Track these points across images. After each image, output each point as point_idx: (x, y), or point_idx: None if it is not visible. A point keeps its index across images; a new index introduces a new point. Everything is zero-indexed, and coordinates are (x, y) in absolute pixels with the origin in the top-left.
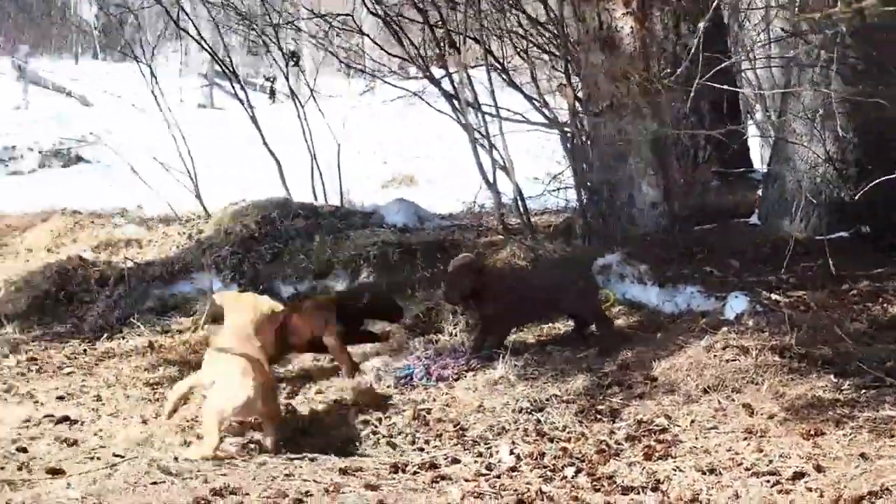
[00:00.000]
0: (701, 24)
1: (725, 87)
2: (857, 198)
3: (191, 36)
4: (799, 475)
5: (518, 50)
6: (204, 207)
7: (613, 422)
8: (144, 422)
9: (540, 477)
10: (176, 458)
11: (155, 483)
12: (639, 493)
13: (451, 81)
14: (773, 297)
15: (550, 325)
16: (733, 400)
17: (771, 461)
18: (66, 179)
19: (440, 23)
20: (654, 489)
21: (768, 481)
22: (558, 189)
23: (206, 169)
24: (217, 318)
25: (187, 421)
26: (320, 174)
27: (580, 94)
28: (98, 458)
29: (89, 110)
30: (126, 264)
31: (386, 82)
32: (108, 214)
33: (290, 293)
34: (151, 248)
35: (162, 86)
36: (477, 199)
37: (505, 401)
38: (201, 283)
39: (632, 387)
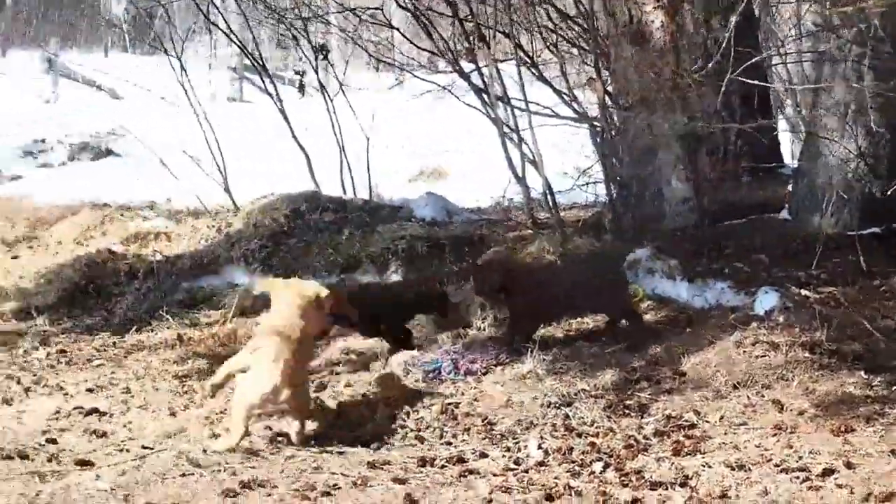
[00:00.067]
0: (732, 18)
1: (756, 81)
2: (888, 193)
3: (220, 29)
4: (829, 472)
5: (548, 44)
6: (233, 201)
7: (642, 417)
8: (173, 414)
9: (568, 472)
10: (205, 451)
11: (183, 475)
12: (667, 489)
13: (481, 75)
14: (804, 292)
15: (579, 319)
16: (763, 396)
17: (800, 457)
18: (95, 172)
19: (470, 16)
20: (683, 485)
21: (798, 478)
22: (587, 184)
23: (235, 162)
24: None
25: (216, 413)
26: (349, 168)
27: (610, 89)
28: (127, 450)
29: (119, 103)
30: (155, 257)
31: (415, 76)
32: (138, 207)
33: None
34: (180, 241)
35: (191, 79)
36: (506, 194)
37: (533, 395)
38: (230, 276)
39: (660, 382)
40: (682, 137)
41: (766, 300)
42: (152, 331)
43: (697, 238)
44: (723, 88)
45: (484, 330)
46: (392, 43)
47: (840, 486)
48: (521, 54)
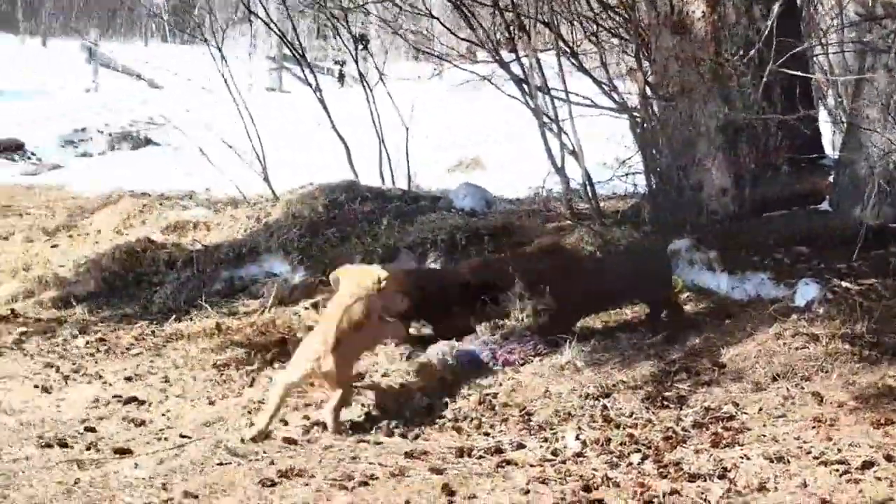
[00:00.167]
0: (774, 8)
1: (797, 72)
2: None
3: (260, 19)
4: (868, 464)
5: (588, 34)
6: (272, 190)
7: (681, 408)
8: (211, 403)
9: (606, 463)
10: (242, 440)
11: (221, 464)
12: (705, 481)
13: (521, 65)
14: (844, 284)
15: (617, 310)
16: (802, 388)
17: (840, 450)
18: (134, 162)
19: (510, 6)
20: (721, 477)
21: (837, 470)
22: (627, 174)
23: (274, 152)
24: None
25: (254, 402)
26: (388, 158)
27: (650, 79)
28: (165, 439)
29: (158, 93)
30: (194, 246)
31: (455, 66)
32: (177, 197)
33: None
34: (219, 230)
35: (231, 69)
36: (545, 184)
37: (571, 386)
38: (269, 265)
39: (699, 373)
40: (722, 128)
41: (807, 292)
42: (191, 320)
43: (737, 229)
44: (764, 79)
45: (522, 320)
46: (432, 33)
47: (879, 479)
48: (562, 44)
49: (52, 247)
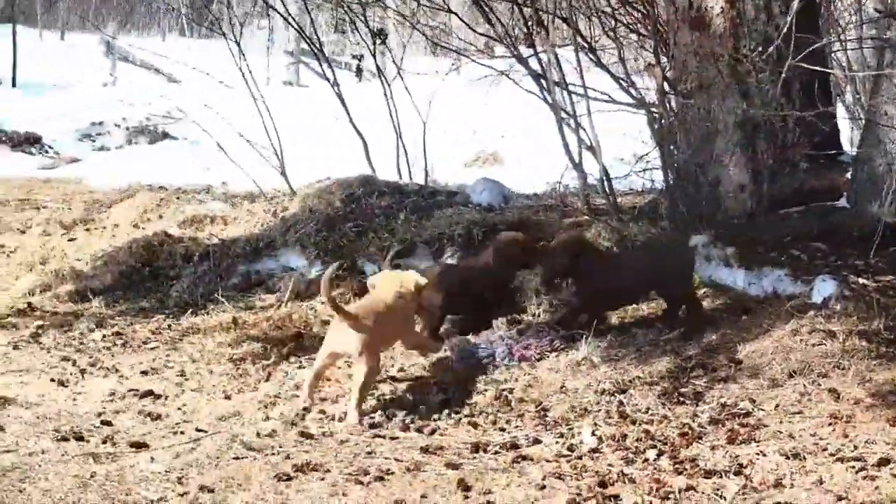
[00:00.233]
0: (793, 4)
1: (816, 68)
2: None
3: (278, 13)
4: (884, 461)
5: (606, 29)
6: (289, 185)
7: (697, 405)
8: (227, 397)
9: (622, 459)
10: (259, 434)
11: (237, 458)
12: (721, 477)
13: (539, 60)
14: (861, 281)
15: (634, 306)
16: (819, 385)
17: (856, 447)
18: (152, 156)
19: (528, 1)
20: (737, 473)
21: (853, 467)
22: (644, 170)
23: (292, 146)
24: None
25: (269, 397)
26: (405, 153)
27: (668, 75)
28: (181, 433)
29: (176, 87)
30: (211, 241)
31: (473, 60)
32: (194, 191)
33: (373, 271)
34: (236, 224)
35: (249, 63)
36: (562, 180)
37: (587, 382)
38: (285, 260)
39: (716, 370)
40: (740, 124)
41: (824, 288)
42: (207, 314)
43: (755, 225)
44: (782, 75)
45: (539, 316)
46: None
47: (895, 476)
48: (580, 39)
49: (69, 240)
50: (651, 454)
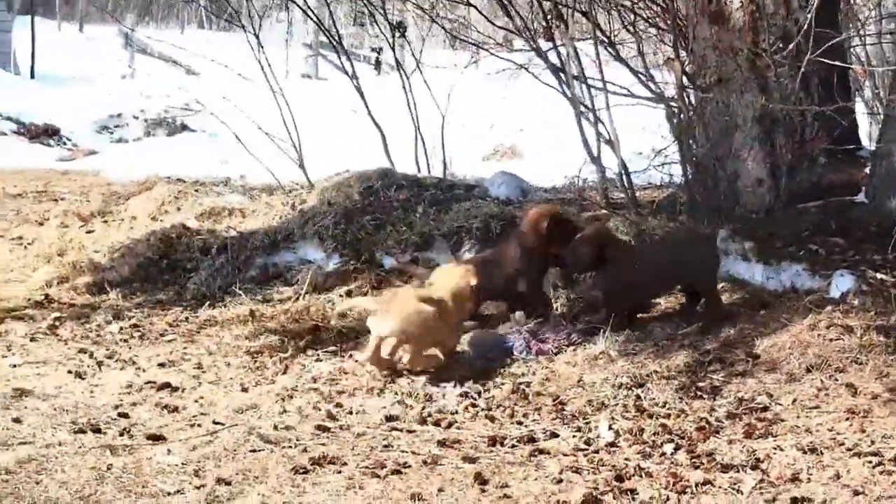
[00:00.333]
0: None
1: (835, 63)
2: None
3: (297, 5)
4: None
5: (625, 23)
6: (307, 177)
7: (714, 399)
8: (245, 390)
9: (639, 453)
10: (276, 427)
11: (254, 451)
12: (738, 472)
13: (558, 54)
14: (879, 276)
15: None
16: (836, 379)
17: (873, 442)
18: (170, 148)
19: None
20: (754, 467)
21: (870, 462)
22: (663, 164)
23: (310, 139)
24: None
25: (287, 390)
26: (424, 146)
27: (688, 69)
28: (198, 426)
29: (195, 79)
30: (229, 233)
31: (492, 54)
32: (212, 183)
33: (391, 265)
34: (254, 217)
35: (267, 56)
36: (580, 173)
37: (605, 376)
38: (303, 252)
39: (733, 364)
40: (759, 119)
41: (842, 283)
42: (225, 306)
43: (773, 220)
44: (801, 69)
45: (556, 310)
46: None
47: None
48: (599, 33)
49: (86, 232)
50: (668, 448)
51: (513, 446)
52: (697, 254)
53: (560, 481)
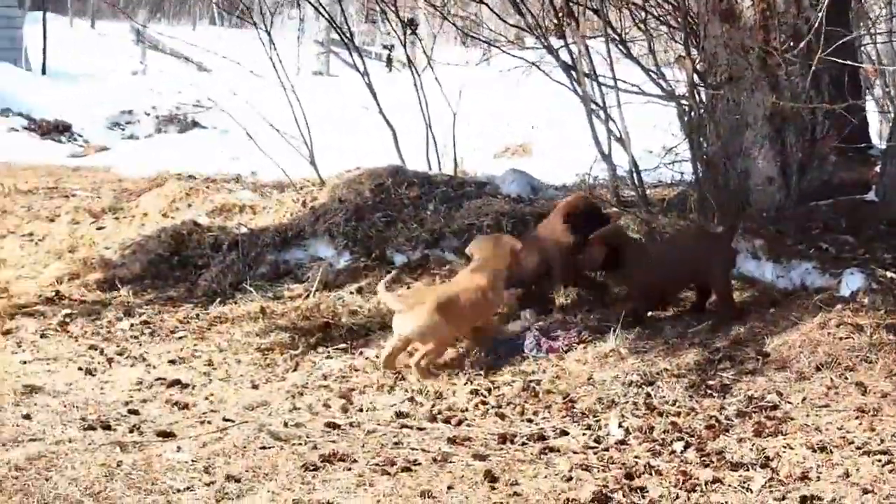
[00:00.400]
0: None
1: (847, 62)
2: None
3: (309, 2)
4: None
5: (636, 21)
6: (318, 174)
7: (724, 397)
8: (255, 387)
9: (648, 451)
10: (286, 424)
11: (264, 448)
12: (748, 470)
13: (569, 52)
14: (890, 274)
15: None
16: (846, 378)
17: (883, 440)
18: (181, 144)
19: None
20: (764, 466)
21: (879, 461)
22: (674, 162)
23: (321, 136)
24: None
25: (297, 387)
26: (435, 143)
27: (699, 67)
28: (208, 423)
29: (206, 76)
30: (240, 230)
31: (503, 51)
32: (223, 180)
33: (402, 262)
34: (265, 214)
35: (279, 53)
36: (591, 171)
37: (615, 374)
38: (314, 249)
39: (743, 362)
40: (769, 117)
41: (852, 281)
42: (235, 303)
43: (783, 218)
44: (812, 68)
45: (567, 307)
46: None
47: None
48: (610, 31)
49: (97, 229)
50: (678, 446)
51: (523, 444)
52: (711, 252)
53: (570, 479)
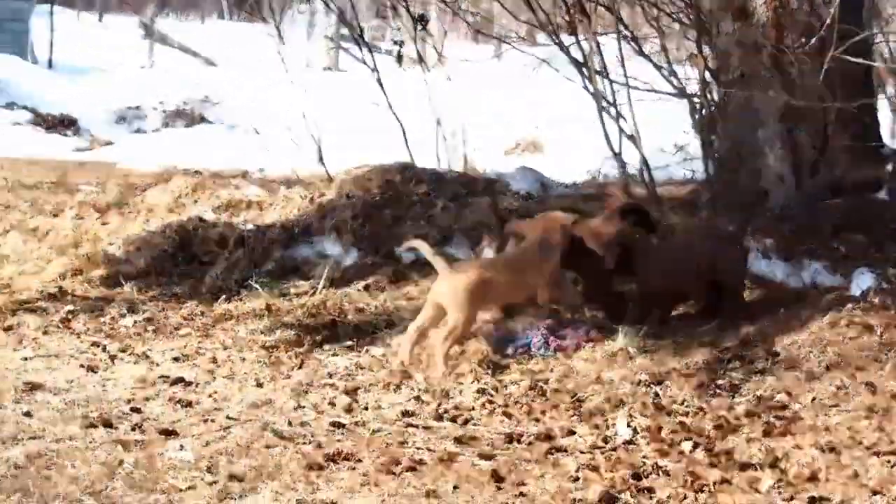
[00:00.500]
0: None
1: (859, 59)
2: None
3: None
4: None
5: (648, 18)
6: (326, 171)
7: (733, 397)
8: (259, 385)
9: (656, 451)
10: (290, 423)
11: (268, 447)
12: (756, 470)
13: (581, 49)
14: None
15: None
16: (856, 378)
17: (892, 441)
18: (188, 139)
19: None
20: (772, 466)
21: (889, 461)
22: (685, 160)
23: (330, 132)
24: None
25: (302, 385)
26: (444, 139)
27: (710, 65)
28: (212, 421)
29: (214, 71)
30: (246, 226)
31: (514, 48)
32: (230, 175)
33: (410, 259)
34: (272, 210)
35: (288, 48)
36: (602, 169)
37: (623, 373)
38: (321, 246)
39: (753, 362)
40: (781, 115)
41: (863, 281)
42: (241, 300)
43: (794, 217)
44: (824, 66)
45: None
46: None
47: None
48: (622, 28)
49: (102, 224)
50: (686, 446)
51: (529, 444)
52: (726, 251)
53: (577, 479)
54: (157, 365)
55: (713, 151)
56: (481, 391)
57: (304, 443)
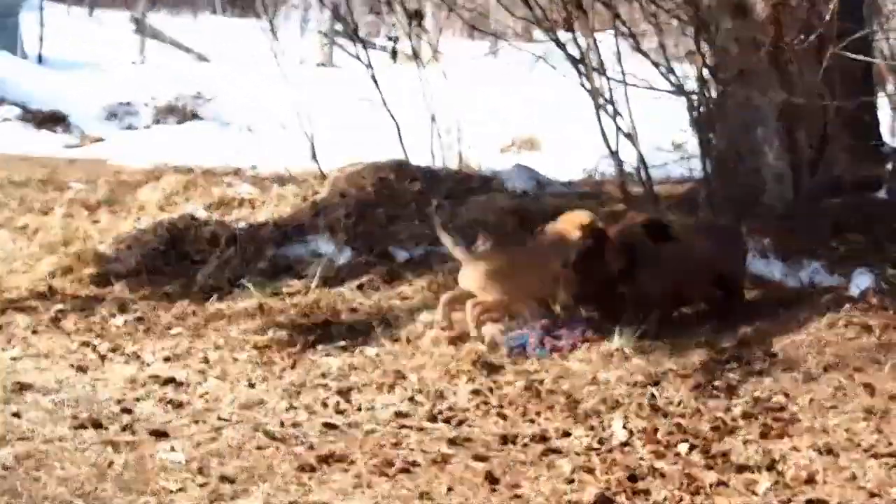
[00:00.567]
0: None
1: (859, 56)
2: None
3: None
4: None
5: (646, 15)
6: (319, 168)
7: (730, 398)
8: (251, 385)
9: (652, 453)
10: (282, 424)
11: (260, 448)
12: (753, 472)
13: (577, 45)
14: None
15: None
16: (854, 379)
17: (890, 443)
18: (180, 136)
19: None
20: (770, 468)
21: (887, 464)
22: (682, 158)
23: (324, 129)
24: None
25: (294, 386)
26: (439, 137)
27: (709, 62)
28: (203, 422)
29: (207, 67)
30: (238, 224)
31: (510, 44)
32: (222, 173)
33: (405, 258)
34: (265, 208)
35: (282, 43)
36: (598, 166)
37: (619, 374)
38: (314, 245)
39: (750, 363)
40: (780, 113)
41: (861, 281)
42: (233, 300)
43: (793, 216)
44: (824, 64)
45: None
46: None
47: None
48: (620, 24)
49: (92, 222)
50: (682, 448)
51: (524, 445)
52: (728, 248)
53: (572, 481)
54: (148, 365)
55: (711, 149)
56: (476, 392)
57: (297, 444)
